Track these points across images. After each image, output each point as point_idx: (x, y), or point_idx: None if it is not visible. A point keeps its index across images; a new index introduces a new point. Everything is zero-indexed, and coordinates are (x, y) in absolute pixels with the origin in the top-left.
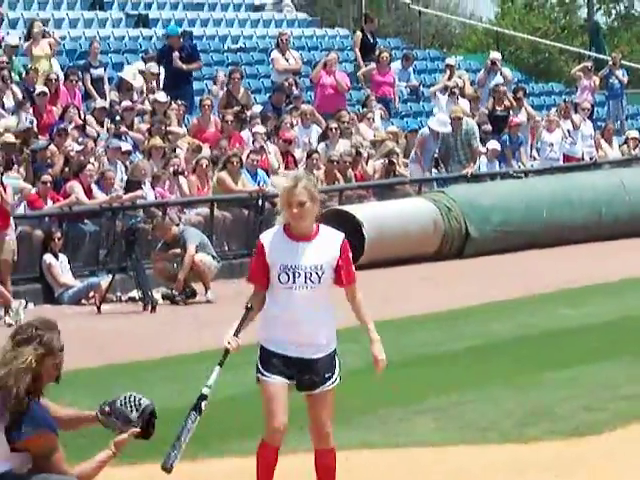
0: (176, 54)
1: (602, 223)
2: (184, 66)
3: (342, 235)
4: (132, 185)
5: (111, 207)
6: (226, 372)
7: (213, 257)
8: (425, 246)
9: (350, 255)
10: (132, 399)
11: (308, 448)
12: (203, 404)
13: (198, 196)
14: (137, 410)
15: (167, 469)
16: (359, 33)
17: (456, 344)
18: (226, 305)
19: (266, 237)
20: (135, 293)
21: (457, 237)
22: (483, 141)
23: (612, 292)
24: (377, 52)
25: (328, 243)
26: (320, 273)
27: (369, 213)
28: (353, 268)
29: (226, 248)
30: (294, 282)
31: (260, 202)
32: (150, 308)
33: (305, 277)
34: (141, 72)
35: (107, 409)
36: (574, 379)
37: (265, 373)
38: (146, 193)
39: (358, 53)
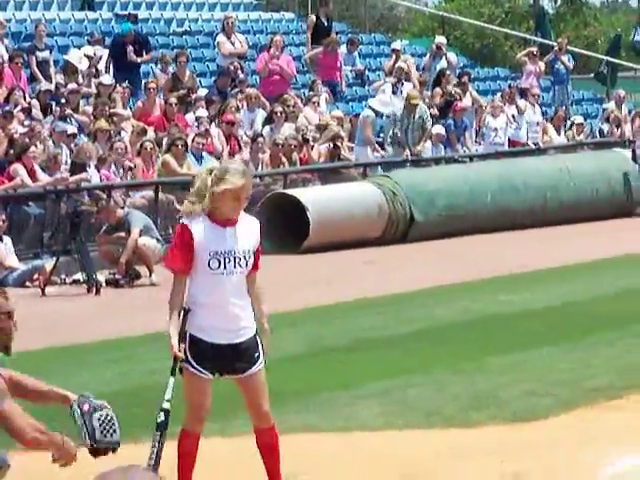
0: (130, 48)
1: (547, 208)
2: (138, 59)
3: (257, 221)
4: (77, 168)
5: (55, 190)
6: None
7: (157, 240)
8: (370, 230)
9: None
10: (110, 425)
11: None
12: (166, 419)
13: (143, 179)
14: (105, 437)
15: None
16: (313, 17)
17: (400, 328)
18: (170, 288)
19: (191, 223)
20: (79, 275)
21: (402, 221)
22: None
23: (556, 277)
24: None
25: (249, 228)
26: (248, 257)
27: (314, 197)
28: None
29: (170, 231)
30: (225, 268)
31: None
32: (94, 290)
33: (235, 262)
34: (88, 56)
35: (86, 407)
36: (518, 364)
37: (196, 366)
38: (91, 176)
39: (309, 36)
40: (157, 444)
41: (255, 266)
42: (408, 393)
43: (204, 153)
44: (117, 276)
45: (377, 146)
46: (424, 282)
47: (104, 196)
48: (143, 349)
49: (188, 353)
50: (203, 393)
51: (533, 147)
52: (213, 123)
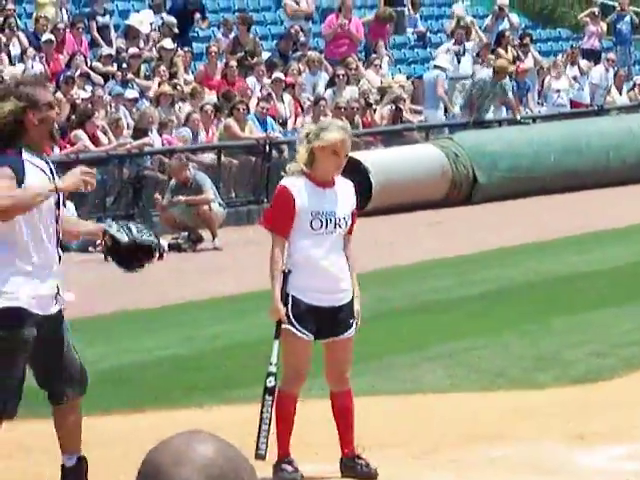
0: (197, 15)
1: (610, 169)
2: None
3: (352, 184)
4: (139, 132)
5: (118, 154)
6: (231, 320)
7: (219, 204)
8: (433, 192)
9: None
10: (146, 230)
11: (318, 395)
12: (275, 382)
13: (205, 143)
14: (143, 236)
15: (262, 457)
16: None
17: (465, 291)
18: (233, 252)
19: (291, 184)
20: None
21: (465, 183)
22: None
23: (620, 238)
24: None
25: (346, 190)
26: (347, 218)
27: (377, 160)
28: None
29: (233, 195)
30: (326, 227)
31: (267, 149)
32: (158, 255)
33: (335, 223)
34: (150, 22)
35: (120, 223)
36: (583, 325)
37: (298, 327)
38: (153, 140)
39: None
40: (269, 408)
41: (351, 229)
42: (473, 355)
43: (268, 117)
44: (180, 240)
45: (450, 105)
46: (488, 244)
47: (166, 161)
48: (207, 313)
49: (290, 314)
50: (304, 354)
51: (596, 108)
52: (275, 86)
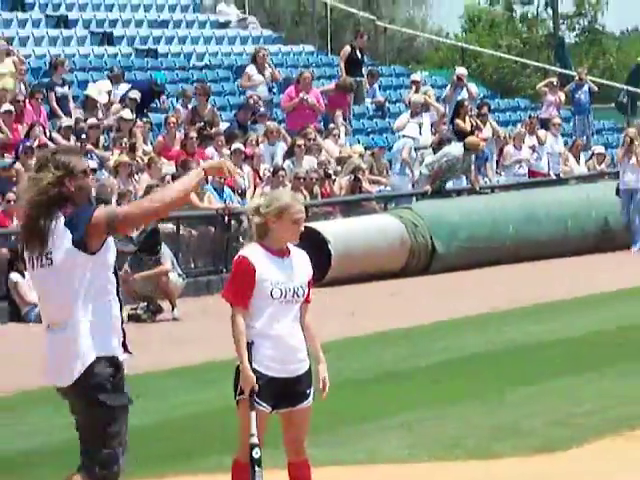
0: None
1: (569, 238)
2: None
3: (304, 252)
4: (99, 203)
5: None
6: (192, 390)
7: (178, 275)
8: (392, 262)
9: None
10: None
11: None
12: (258, 453)
13: None
14: None
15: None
16: (348, 47)
17: (423, 360)
18: (193, 322)
19: (250, 254)
20: None
21: (423, 253)
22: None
23: (580, 307)
24: (364, 68)
25: (302, 259)
26: (304, 287)
27: (336, 230)
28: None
29: (192, 265)
30: (285, 297)
31: (226, 219)
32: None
33: (294, 292)
34: (108, 92)
35: None
36: (542, 395)
37: (256, 399)
38: None
39: (343, 67)
40: (260, 479)
41: (309, 298)
42: (430, 425)
43: (225, 187)
44: (139, 311)
45: (412, 169)
46: (447, 314)
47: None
48: (167, 384)
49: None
50: (261, 426)
51: (554, 177)
52: (235, 157)
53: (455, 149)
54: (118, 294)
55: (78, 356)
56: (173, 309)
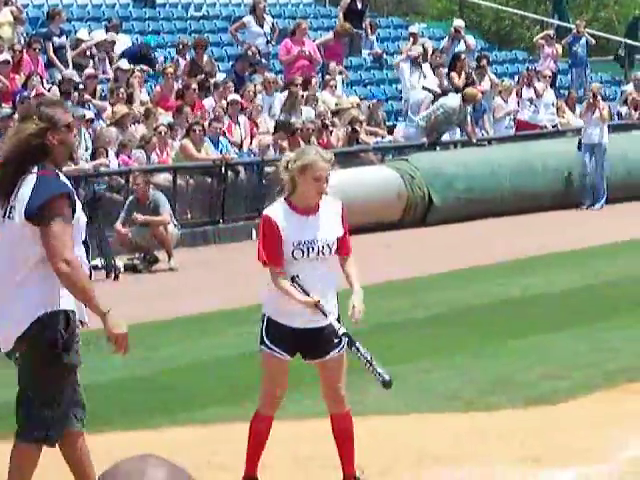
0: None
1: (566, 190)
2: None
3: (340, 203)
4: (97, 153)
5: (73, 175)
6: (188, 341)
7: (174, 225)
8: (388, 214)
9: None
10: None
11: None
12: (348, 339)
13: (162, 164)
14: None
15: (390, 383)
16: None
17: (419, 312)
18: (189, 273)
19: (274, 213)
20: (98, 261)
21: (420, 205)
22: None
23: (577, 260)
24: (364, 20)
25: (332, 214)
26: (331, 245)
27: (332, 181)
28: (349, 239)
29: (188, 216)
30: (308, 256)
31: (223, 170)
32: (113, 276)
33: (318, 251)
34: (105, 41)
35: None
36: (537, 347)
37: (272, 346)
38: (109, 161)
39: (341, 17)
40: (363, 349)
41: (346, 249)
42: (426, 377)
43: (221, 138)
44: (135, 261)
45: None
46: (443, 266)
47: (122, 181)
48: (164, 335)
49: (264, 335)
50: (279, 374)
51: (552, 129)
52: (231, 107)
53: (451, 100)
54: (88, 248)
55: (26, 310)
56: (169, 259)
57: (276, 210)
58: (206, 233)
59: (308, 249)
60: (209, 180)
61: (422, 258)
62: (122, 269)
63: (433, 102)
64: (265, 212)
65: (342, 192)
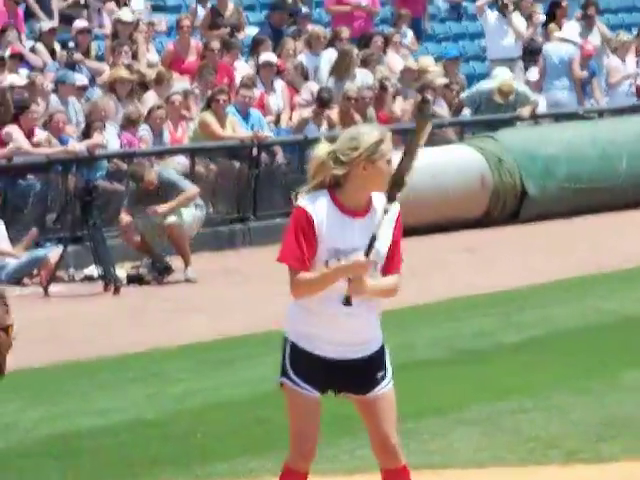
0: None
1: None
2: None
3: (397, 207)
4: (91, 130)
5: (62, 159)
6: (207, 374)
7: (195, 206)
8: (469, 208)
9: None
10: None
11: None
12: None
13: (174, 144)
14: None
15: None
16: None
17: (510, 335)
18: (211, 286)
19: (313, 206)
20: (93, 270)
21: (511, 196)
22: None
23: None
24: None
25: (386, 219)
26: (380, 257)
27: (396, 165)
28: (401, 254)
29: (210, 211)
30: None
31: (255, 152)
32: (113, 289)
33: None
34: None
35: None
36: None
37: (297, 381)
38: (107, 141)
39: None
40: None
41: (394, 265)
42: (519, 419)
43: (251, 110)
44: (141, 270)
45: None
46: (541, 275)
47: (124, 167)
48: (176, 365)
49: (288, 365)
50: (308, 417)
51: None
52: (265, 71)
53: (486, 84)
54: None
55: None
56: (186, 267)
57: (316, 202)
58: (233, 233)
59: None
60: (237, 165)
61: (513, 265)
62: (124, 280)
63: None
64: (302, 204)
65: (409, 179)
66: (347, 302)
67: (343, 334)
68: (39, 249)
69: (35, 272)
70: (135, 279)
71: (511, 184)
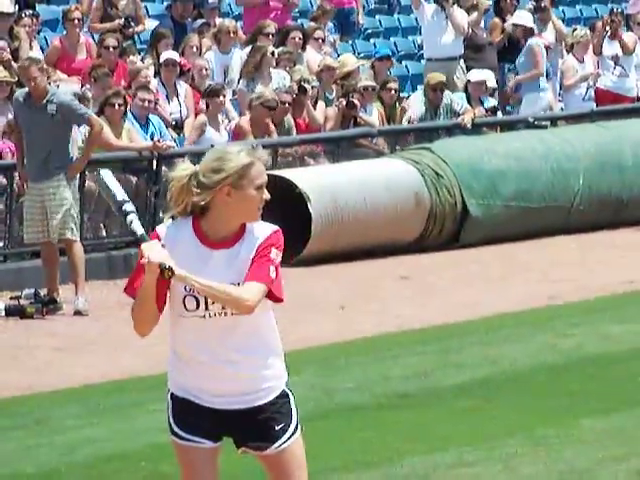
0: None
1: None
2: None
3: (273, 228)
4: None
5: None
6: (101, 420)
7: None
8: (403, 230)
9: (274, 248)
10: None
11: None
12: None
13: None
14: None
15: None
16: None
17: (449, 377)
18: (104, 320)
19: (170, 234)
20: None
21: (450, 216)
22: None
23: None
24: None
25: (250, 246)
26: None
27: (319, 181)
28: (270, 267)
29: (103, 233)
30: (206, 309)
31: (155, 165)
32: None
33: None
34: None
35: None
36: (626, 430)
37: (182, 434)
38: None
39: None
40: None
41: (252, 275)
42: (461, 474)
43: (151, 116)
44: (22, 301)
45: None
46: (484, 308)
47: (3, 182)
48: (64, 411)
49: (171, 420)
50: (203, 472)
51: None
52: (166, 70)
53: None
54: None
55: None
56: (77, 296)
57: (174, 230)
58: (129, 259)
59: (206, 299)
60: (133, 180)
61: (453, 296)
62: (2, 312)
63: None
64: (158, 229)
65: (334, 198)
66: (163, 272)
67: (216, 384)
68: None
69: None
70: (15, 312)
71: (450, 203)
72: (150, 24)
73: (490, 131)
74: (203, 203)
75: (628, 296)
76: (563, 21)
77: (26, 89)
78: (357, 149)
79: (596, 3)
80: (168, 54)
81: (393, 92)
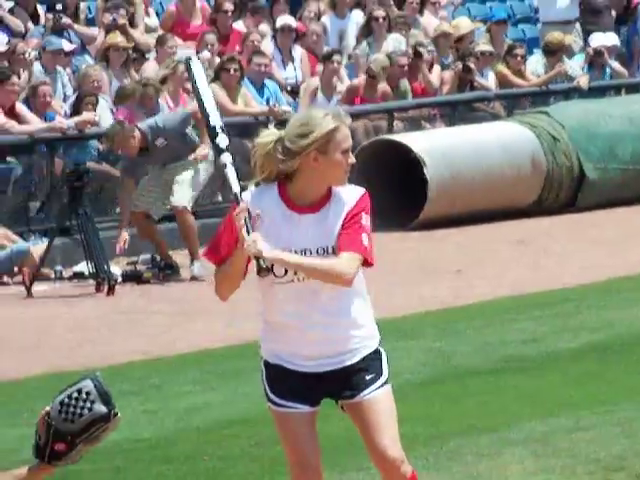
0: None
1: None
2: None
3: (360, 191)
4: (82, 104)
5: (47, 138)
6: (215, 386)
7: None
8: (519, 194)
9: (363, 213)
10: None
11: None
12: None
13: None
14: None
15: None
16: None
17: (567, 341)
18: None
19: (257, 200)
20: (84, 266)
21: (567, 180)
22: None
23: None
24: None
25: (338, 210)
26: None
27: (434, 146)
28: (363, 235)
29: (219, 198)
30: (295, 273)
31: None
32: (106, 289)
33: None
34: None
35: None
36: None
37: (279, 401)
38: (99, 116)
39: None
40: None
41: (343, 244)
42: (578, 438)
43: (267, 81)
44: (140, 267)
45: None
46: (601, 272)
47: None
48: (179, 377)
49: (267, 388)
50: (303, 437)
51: None
52: (282, 36)
53: None
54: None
55: None
56: (192, 262)
57: (260, 196)
58: None
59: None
60: (249, 145)
61: (570, 260)
62: (120, 278)
63: None
64: (245, 197)
65: (450, 162)
66: (260, 271)
67: (308, 347)
68: (21, 243)
69: (16, 269)
70: (132, 277)
71: (567, 167)
72: None
73: (607, 94)
74: (290, 170)
75: None
76: None
77: None
78: (473, 113)
79: None
80: (284, 19)
81: (519, 58)
